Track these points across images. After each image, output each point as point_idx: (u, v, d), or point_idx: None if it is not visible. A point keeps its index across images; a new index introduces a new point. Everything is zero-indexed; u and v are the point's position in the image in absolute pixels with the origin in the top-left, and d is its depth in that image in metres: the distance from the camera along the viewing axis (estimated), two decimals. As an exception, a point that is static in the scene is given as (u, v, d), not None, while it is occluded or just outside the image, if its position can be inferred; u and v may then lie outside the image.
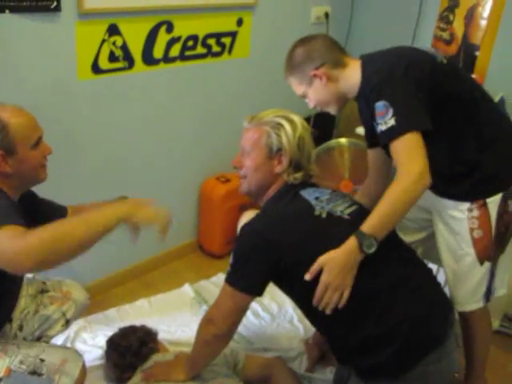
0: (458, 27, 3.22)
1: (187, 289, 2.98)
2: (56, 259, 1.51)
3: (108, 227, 1.66)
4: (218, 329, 1.81)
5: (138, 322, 2.39)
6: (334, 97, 1.96)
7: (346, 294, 1.66)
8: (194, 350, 1.96)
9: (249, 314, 2.76)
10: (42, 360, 1.70)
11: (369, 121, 1.92)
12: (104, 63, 2.47)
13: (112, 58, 2.49)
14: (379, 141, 1.83)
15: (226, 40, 3.01)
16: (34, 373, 1.66)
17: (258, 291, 1.79)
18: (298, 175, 1.86)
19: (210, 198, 3.21)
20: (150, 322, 2.43)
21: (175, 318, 2.73)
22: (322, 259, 1.65)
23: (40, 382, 1.66)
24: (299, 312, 2.76)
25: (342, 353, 1.85)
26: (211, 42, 2.93)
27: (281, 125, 1.84)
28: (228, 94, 3.18)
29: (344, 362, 1.89)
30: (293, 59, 1.94)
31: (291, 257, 1.71)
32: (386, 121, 1.72)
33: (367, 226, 1.66)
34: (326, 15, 3.54)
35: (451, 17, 3.25)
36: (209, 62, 2.98)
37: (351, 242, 1.65)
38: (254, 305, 2.84)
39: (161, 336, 2.36)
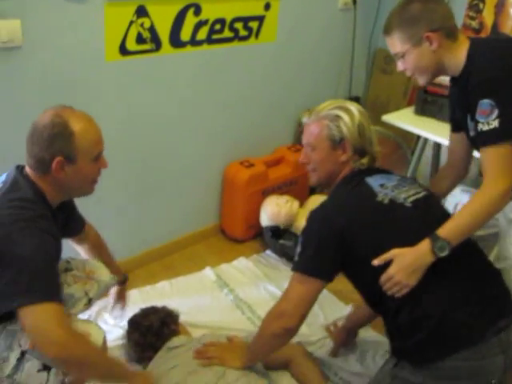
0: (488, 16, 3.17)
1: (208, 272, 2.99)
2: (72, 370, 1.68)
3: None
4: (289, 322, 1.82)
5: (159, 304, 2.41)
6: (435, 67, 1.85)
7: (404, 291, 1.68)
8: (257, 342, 1.98)
9: (269, 298, 2.77)
10: None
11: (461, 107, 1.89)
12: (131, 45, 2.47)
13: (139, 39, 2.48)
14: (474, 139, 1.79)
15: (253, 24, 2.99)
16: None
17: (329, 277, 1.80)
18: (364, 160, 1.90)
19: (233, 183, 3.20)
20: (171, 304, 2.45)
21: (196, 300, 2.75)
22: (395, 251, 1.69)
23: None
24: (320, 299, 2.77)
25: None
26: (238, 25, 2.91)
27: (338, 116, 1.86)
28: (254, 78, 3.16)
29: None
30: (407, 12, 1.81)
31: (355, 241, 1.74)
32: (489, 121, 1.67)
33: (443, 230, 1.67)
34: (354, 1, 3.50)
35: (481, 5, 3.19)
36: (235, 45, 2.96)
37: (424, 244, 1.67)
38: (275, 290, 2.85)
39: (181, 318, 2.38)
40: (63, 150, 1.65)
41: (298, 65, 3.37)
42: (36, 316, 1.54)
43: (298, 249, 1.82)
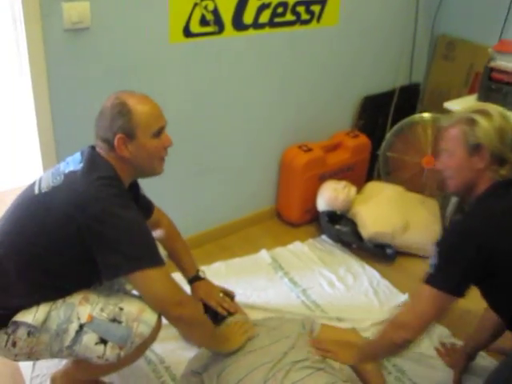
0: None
1: (264, 254, 3.01)
2: (187, 328, 1.90)
3: (215, 347, 2.03)
4: (411, 334, 1.79)
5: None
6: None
7: None
8: (373, 345, 2.02)
9: (324, 283, 2.78)
10: (121, 309, 1.76)
11: None
12: (195, 27, 2.49)
13: (203, 21, 2.50)
14: None
15: (316, 8, 2.97)
16: (114, 320, 1.73)
17: (463, 293, 1.72)
18: (504, 170, 1.76)
19: (290, 167, 3.20)
20: (227, 285, 2.46)
21: (251, 282, 2.78)
22: None
23: (119, 330, 1.72)
24: (375, 286, 2.79)
25: None
26: (300, 9, 2.89)
27: (475, 120, 1.76)
28: (315, 62, 3.13)
29: None
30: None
31: (503, 261, 1.66)
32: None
33: None
34: (418, -15, 3.43)
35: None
36: (297, 29, 2.94)
37: None
38: (330, 275, 2.85)
39: (236, 299, 2.40)
40: (123, 127, 1.71)
41: (358, 49, 3.33)
42: (150, 281, 1.69)
43: (434, 260, 1.73)
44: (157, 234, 2.24)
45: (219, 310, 2.21)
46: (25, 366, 2.26)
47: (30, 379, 2.21)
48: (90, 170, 1.71)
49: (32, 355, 1.79)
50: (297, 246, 3.12)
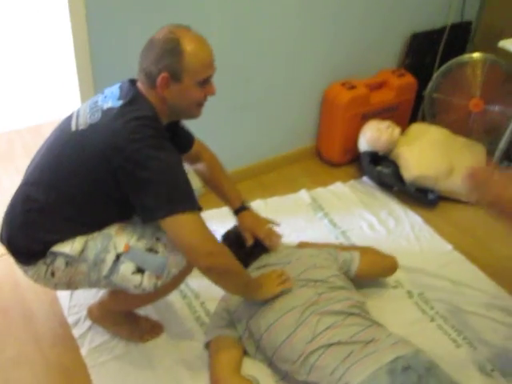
0: None
1: (304, 194, 2.97)
2: (218, 278, 1.79)
3: (247, 296, 1.97)
4: None
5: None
6: None
7: None
8: None
9: (364, 226, 2.73)
10: (158, 239, 1.75)
11: None
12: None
13: None
14: None
15: None
16: (150, 250, 1.72)
17: None
18: None
19: (332, 104, 3.10)
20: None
21: (290, 221, 2.73)
22: None
23: (155, 259, 1.72)
24: (417, 231, 2.74)
25: None
26: None
27: None
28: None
29: None
30: None
31: None
32: None
33: None
34: None
35: None
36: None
37: None
38: (371, 217, 2.80)
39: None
40: (170, 66, 1.64)
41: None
42: (181, 227, 1.63)
43: None
44: (198, 166, 2.21)
45: (267, 242, 2.20)
46: (63, 296, 2.29)
47: (68, 308, 2.25)
48: (128, 109, 1.65)
49: (71, 284, 1.82)
50: (338, 187, 3.06)
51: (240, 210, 2.26)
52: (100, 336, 2.12)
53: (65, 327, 2.19)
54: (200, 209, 1.70)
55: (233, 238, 2.27)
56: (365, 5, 3.02)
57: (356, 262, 2.21)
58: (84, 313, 2.18)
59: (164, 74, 1.63)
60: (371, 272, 2.31)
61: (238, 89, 2.76)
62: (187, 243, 1.65)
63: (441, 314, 2.26)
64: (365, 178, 3.14)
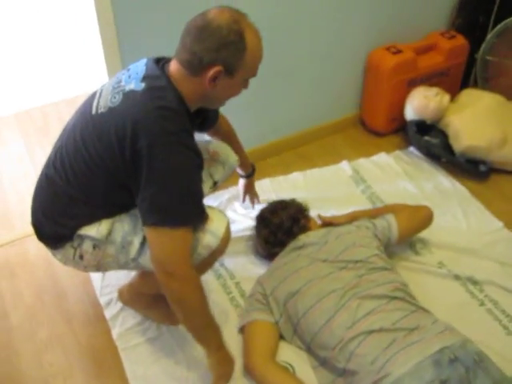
0: None
1: (345, 166, 2.84)
2: (173, 305, 1.62)
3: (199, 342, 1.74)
4: None
5: (291, 196, 2.32)
6: None
7: None
8: None
9: (409, 200, 2.56)
10: None
11: None
12: None
13: None
14: None
15: None
16: None
17: None
18: None
19: (377, 70, 2.93)
20: (303, 197, 2.35)
21: (330, 194, 2.63)
22: None
23: None
24: (465, 207, 2.58)
25: None
26: None
27: None
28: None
29: None
30: None
31: None
32: None
33: None
34: None
35: None
36: None
37: None
38: (416, 191, 2.66)
39: (313, 213, 2.27)
40: (228, 60, 1.51)
41: None
42: (163, 241, 1.52)
43: None
44: (215, 135, 2.12)
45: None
46: (95, 276, 2.26)
47: (100, 288, 2.21)
48: (151, 96, 1.52)
49: (101, 267, 1.77)
50: (381, 158, 2.91)
51: (249, 175, 2.37)
52: (132, 318, 2.08)
53: (97, 308, 2.16)
54: (200, 220, 1.61)
55: (269, 219, 2.18)
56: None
57: (394, 228, 2.13)
58: (116, 294, 2.13)
59: (219, 68, 1.50)
60: (411, 231, 2.23)
61: (276, 56, 2.61)
62: (154, 255, 1.54)
63: (491, 298, 2.11)
64: (411, 149, 2.96)
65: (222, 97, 1.64)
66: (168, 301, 1.61)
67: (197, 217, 1.60)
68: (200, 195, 1.59)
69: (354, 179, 2.75)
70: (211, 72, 1.50)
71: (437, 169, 2.82)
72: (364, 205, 2.58)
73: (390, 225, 2.13)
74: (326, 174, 2.79)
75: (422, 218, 2.24)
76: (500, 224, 2.47)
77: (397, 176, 2.77)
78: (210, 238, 1.67)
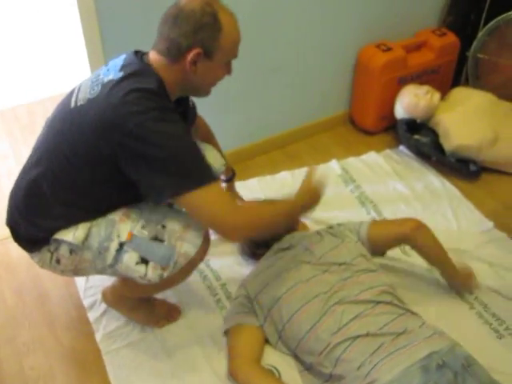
0: None
1: (334, 165, 2.79)
2: (255, 235, 1.77)
3: (295, 217, 1.93)
4: None
5: (278, 195, 2.27)
6: None
7: None
8: None
9: (399, 199, 2.58)
10: (164, 226, 1.62)
11: None
12: None
13: None
14: None
15: None
16: (155, 239, 1.60)
17: None
18: None
19: (367, 68, 2.90)
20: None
21: (318, 194, 2.58)
22: None
23: (160, 249, 1.60)
24: (455, 207, 2.54)
25: None
26: None
27: None
28: None
29: None
30: None
31: None
32: None
33: None
34: None
35: None
36: None
37: None
38: (406, 190, 2.63)
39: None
40: (206, 42, 1.51)
41: None
42: (200, 203, 1.51)
43: None
44: (194, 135, 2.06)
45: None
46: (79, 278, 2.20)
47: (84, 290, 2.18)
48: (129, 81, 1.49)
49: (78, 271, 1.74)
50: (371, 157, 2.87)
51: (229, 179, 2.29)
52: (115, 320, 2.04)
53: (80, 310, 2.12)
54: (217, 179, 1.63)
55: None
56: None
57: (365, 224, 2.05)
58: (100, 295, 2.09)
59: (197, 50, 1.50)
60: (384, 232, 2.05)
61: (264, 53, 2.58)
62: (211, 220, 1.56)
63: (480, 301, 2.08)
64: (401, 148, 2.93)
65: (205, 82, 1.63)
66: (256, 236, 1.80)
67: (211, 172, 1.59)
68: (202, 155, 1.57)
69: (342, 178, 2.71)
70: (190, 55, 1.51)
71: (427, 168, 2.79)
72: (353, 205, 2.55)
73: (362, 223, 2.06)
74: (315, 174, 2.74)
75: (401, 225, 2.04)
76: (490, 224, 2.43)
77: (387, 175, 2.74)
78: (187, 246, 1.63)
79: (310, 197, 1.81)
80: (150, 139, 1.44)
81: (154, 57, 1.56)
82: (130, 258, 1.59)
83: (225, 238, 1.64)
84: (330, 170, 2.77)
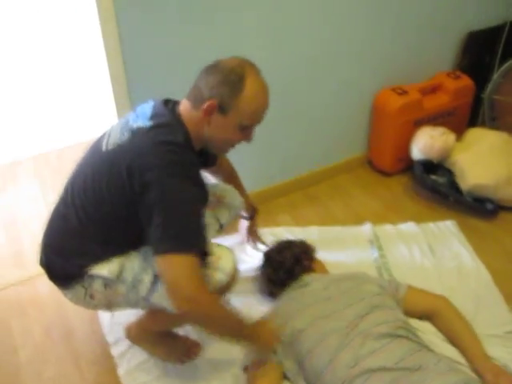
0: None
1: (367, 228, 2.70)
2: (198, 325, 1.72)
3: (237, 341, 1.81)
4: None
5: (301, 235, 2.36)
6: None
7: None
8: None
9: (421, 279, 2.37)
10: None
11: None
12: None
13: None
14: None
15: None
16: None
17: None
18: None
19: (383, 111, 2.98)
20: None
21: (341, 256, 2.55)
22: None
23: None
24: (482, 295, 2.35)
25: None
26: None
27: None
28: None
29: None
30: None
31: None
32: None
33: None
34: None
35: None
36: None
37: None
38: (432, 270, 2.47)
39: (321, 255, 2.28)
40: (223, 97, 1.58)
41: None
42: (171, 267, 1.53)
43: None
44: (218, 175, 2.20)
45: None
46: (103, 314, 2.28)
47: (108, 326, 2.23)
48: (159, 131, 1.59)
49: (111, 306, 1.80)
50: (409, 227, 2.72)
51: (251, 217, 2.39)
52: (138, 356, 2.08)
53: (104, 346, 2.17)
54: (206, 253, 1.65)
55: (273, 257, 2.22)
56: (416, 3, 2.87)
57: (403, 286, 2.08)
58: (123, 332, 2.14)
59: (213, 101, 1.58)
60: (420, 299, 2.09)
61: (284, 98, 2.67)
62: (171, 283, 1.54)
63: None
64: (447, 223, 2.74)
65: (217, 136, 1.67)
66: (194, 324, 1.71)
67: (202, 243, 1.62)
68: (203, 225, 1.61)
69: (371, 244, 2.61)
70: (206, 104, 1.59)
71: (462, 243, 2.60)
72: (369, 272, 2.32)
73: (400, 284, 2.10)
74: (344, 234, 2.69)
75: (435, 299, 2.10)
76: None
77: (419, 251, 2.55)
78: (219, 274, 1.71)
79: (260, 340, 1.81)
80: (163, 193, 1.51)
81: (184, 105, 1.66)
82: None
83: (173, 303, 1.56)
84: (361, 233, 2.69)
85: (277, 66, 2.55)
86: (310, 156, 3.01)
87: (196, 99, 1.62)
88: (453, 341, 1.99)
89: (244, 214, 2.37)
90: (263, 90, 1.64)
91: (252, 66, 1.63)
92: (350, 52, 2.77)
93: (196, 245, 1.57)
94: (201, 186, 1.63)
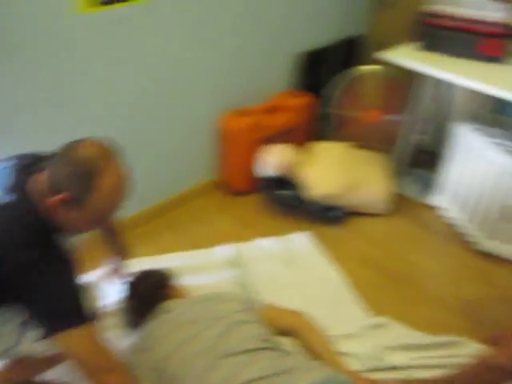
0: None
1: (228, 248, 2.76)
2: None
3: None
4: None
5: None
6: None
7: None
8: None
9: (282, 290, 2.51)
10: None
11: None
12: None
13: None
14: None
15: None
16: None
17: None
18: None
19: (228, 133, 3.06)
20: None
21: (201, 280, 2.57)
22: None
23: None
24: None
25: None
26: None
27: None
28: (245, 16, 2.94)
29: None
30: None
31: None
32: None
33: None
34: None
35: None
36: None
37: None
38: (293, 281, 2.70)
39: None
40: (74, 191, 1.46)
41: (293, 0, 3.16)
42: (78, 341, 1.53)
43: None
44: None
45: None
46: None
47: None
48: (17, 213, 1.51)
49: None
50: (269, 242, 2.83)
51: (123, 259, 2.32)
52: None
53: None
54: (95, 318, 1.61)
55: (130, 286, 2.24)
56: (251, 28, 3.00)
57: (261, 305, 2.15)
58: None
59: (64, 195, 1.46)
60: (279, 320, 2.14)
61: (126, 130, 2.66)
62: (78, 359, 1.55)
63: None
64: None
65: (71, 225, 1.57)
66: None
67: (88, 313, 1.57)
68: (81, 291, 1.56)
69: (232, 263, 2.66)
70: (57, 197, 1.47)
71: (319, 251, 2.76)
72: (234, 291, 2.48)
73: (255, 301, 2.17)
74: (206, 257, 2.73)
75: (293, 314, 2.18)
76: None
77: (281, 263, 2.67)
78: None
79: None
80: (26, 276, 1.46)
81: (34, 183, 1.54)
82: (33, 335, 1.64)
83: (85, 376, 1.58)
84: (223, 253, 2.73)
85: (117, 101, 2.56)
86: (164, 182, 3.03)
87: (50, 184, 1.49)
88: (315, 357, 2.05)
89: (115, 261, 2.31)
90: (119, 184, 1.52)
91: (109, 155, 1.50)
92: (185, 80, 2.82)
93: (85, 314, 1.54)
94: (68, 261, 1.55)
